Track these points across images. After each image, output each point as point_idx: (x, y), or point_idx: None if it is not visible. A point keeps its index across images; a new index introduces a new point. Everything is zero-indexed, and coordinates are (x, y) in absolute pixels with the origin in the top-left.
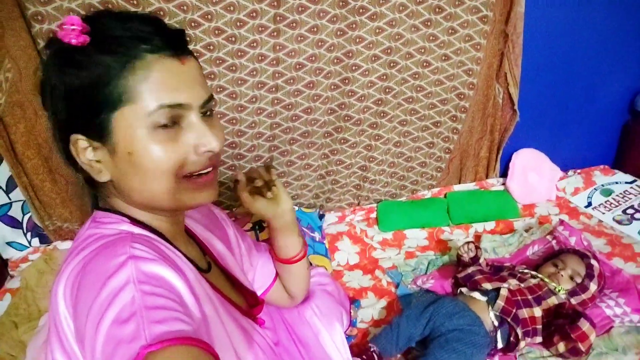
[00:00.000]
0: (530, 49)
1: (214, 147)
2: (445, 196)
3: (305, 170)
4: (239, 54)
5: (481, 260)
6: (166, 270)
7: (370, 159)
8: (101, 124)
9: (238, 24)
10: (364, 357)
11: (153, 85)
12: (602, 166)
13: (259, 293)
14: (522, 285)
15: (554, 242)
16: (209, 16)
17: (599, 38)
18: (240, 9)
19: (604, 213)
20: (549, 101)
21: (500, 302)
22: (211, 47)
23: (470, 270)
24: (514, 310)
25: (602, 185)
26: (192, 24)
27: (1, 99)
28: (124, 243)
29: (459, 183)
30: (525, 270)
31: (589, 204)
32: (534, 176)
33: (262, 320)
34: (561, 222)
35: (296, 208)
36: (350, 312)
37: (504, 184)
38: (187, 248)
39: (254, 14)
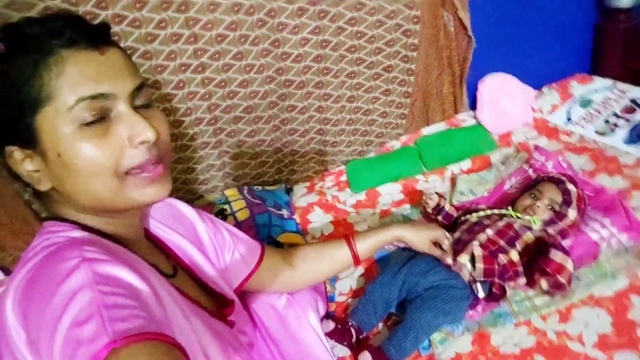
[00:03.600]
0: None
1: (149, 136)
2: (415, 143)
3: (260, 147)
4: (149, 38)
5: (447, 208)
6: (122, 270)
7: (325, 121)
8: (27, 129)
9: (137, 5)
10: (336, 336)
11: (69, 80)
12: (578, 75)
13: (239, 281)
14: (491, 233)
15: (530, 170)
16: (103, 4)
17: None
18: None
19: (584, 127)
20: (505, 17)
21: (479, 265)
22: (116, 38)
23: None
24: (496, 267)
25: (581, 96)
26: (88, 19)
27: None
28: (74, 247)
29: (428, 125)
30: (490, 212)
31: (569, 120)
32: (505, 101)
33: (232, 321)
34: (536, 147)
35: (259, 188)
36: (326, 294)
37: (475, 117)
38: (148, 253)
39: None
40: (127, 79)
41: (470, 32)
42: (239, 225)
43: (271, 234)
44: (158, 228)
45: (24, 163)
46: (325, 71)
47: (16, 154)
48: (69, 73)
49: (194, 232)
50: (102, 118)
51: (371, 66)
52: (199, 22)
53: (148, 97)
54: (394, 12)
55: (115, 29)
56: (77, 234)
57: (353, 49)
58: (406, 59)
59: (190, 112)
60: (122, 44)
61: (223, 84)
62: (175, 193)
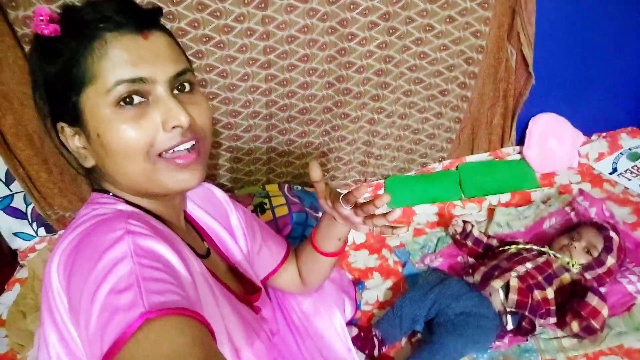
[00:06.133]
0: (545, 3)
1: (182, 122)
2: (457, 168)
3: (307, 149)
4: (226, 29)
5: (476, 233)
6: (161, 246)
7: (374, 134)
8: (73, 108)
9: None
10: (359, 344)
11: (110, 62)
12: (629, 128)
13: (263, 275)
14: (530, 266)
15: (572, 213)
16: None
17: None
18: None
19: (630, 179)
20: (567, 60)
21: (513, 296)
22: (196, 24)
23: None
24: (530, 301)
25: (630, 149)
26: (174, 0)
27: None
28: (120, 219)
29: (472, 154)
30: (529, 246)
31: (614, 170)
32: (553, 142)
33: (258, 307)
34: (580, 192)
35: (299, 188)
36: (356, 300)
37: (520, 152)
38: (185, 233)
39: None
40: (169, 64)
41: (531, 69)
42: (276, 220)
43: (305, 233)
44: (194, 209)
45: (73, 139)
46: (383, 85)
47: (67, 130)
48: (110, 56)
49: (226, 219)
50: (140, 101)
51: (428, 87)
52: (274, 20)
53: (191, 82)
54: (460, 39)
55: (196, 15)
56: (123, 207)
57: (414, 68)
58: (463, 85)
59: (249, 105)
60: (199, 32)
61: (285, 82)
62: (218, 179)
